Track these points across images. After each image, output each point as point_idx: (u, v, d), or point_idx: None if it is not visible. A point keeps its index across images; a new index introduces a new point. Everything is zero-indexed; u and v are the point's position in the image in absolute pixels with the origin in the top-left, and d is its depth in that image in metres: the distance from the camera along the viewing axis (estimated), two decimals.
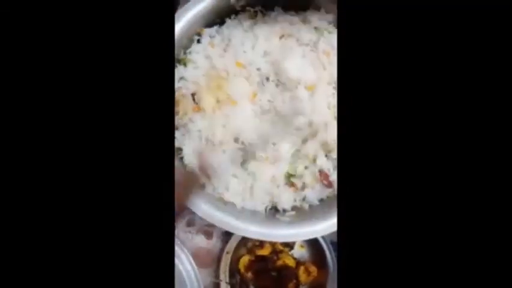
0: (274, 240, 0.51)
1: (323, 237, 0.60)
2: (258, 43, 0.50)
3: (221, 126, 0.49)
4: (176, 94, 0.50)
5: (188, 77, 0.50)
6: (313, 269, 0.60)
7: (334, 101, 0.49)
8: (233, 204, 0.51)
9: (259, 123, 0.49)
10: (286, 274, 0.60)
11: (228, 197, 0.50)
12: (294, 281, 0.60)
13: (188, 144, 0.50)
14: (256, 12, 0.52)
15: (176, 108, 0.50)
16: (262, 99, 0.49)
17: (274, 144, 0.49)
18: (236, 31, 0.51)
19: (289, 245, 0.62)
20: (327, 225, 0.47)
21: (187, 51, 0.51)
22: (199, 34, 0.52)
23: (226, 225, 0.47)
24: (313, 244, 0.61)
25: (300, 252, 0.62)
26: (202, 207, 0.47)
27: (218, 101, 0.49)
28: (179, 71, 0.51)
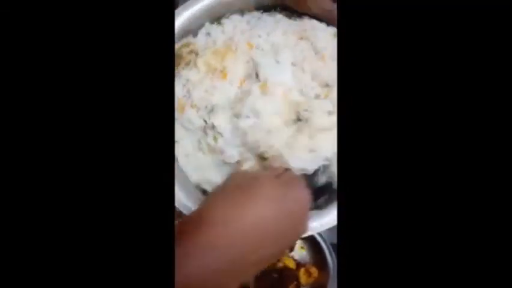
0: None
1: (323, 238, 0.60)
2: (274, 34, 0.50)
3: (203, 90, 0.48)
4: (186, 49, 0.50)
5: (212, 35, 0.51)
6: (314, 271, 0.60)
7: (292, 105, 0.47)
8: None
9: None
10: (287, 276, 0.60)
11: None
12: (295, 282, 0.60)
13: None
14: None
15: (177, 60, 0.50)
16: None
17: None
18: (268, 19, 0.52)
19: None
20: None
21: (227, 15, 0.52)
22: (243, 10, 0.53)
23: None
24: (313, 246, 0.61)
25: (300, 254, 0.62)
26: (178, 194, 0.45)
27: (215, 68, 0.48)
28: (211, 27, 0.52)
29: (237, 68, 0.49)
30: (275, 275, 0.60)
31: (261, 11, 0.53)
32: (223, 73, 0.48)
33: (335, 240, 0.61)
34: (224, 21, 0.52)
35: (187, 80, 0.49)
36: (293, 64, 0.48)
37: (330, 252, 0.60)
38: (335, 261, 0.59)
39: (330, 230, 0.59)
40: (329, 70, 0.48)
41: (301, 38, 0.50)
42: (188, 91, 0.49)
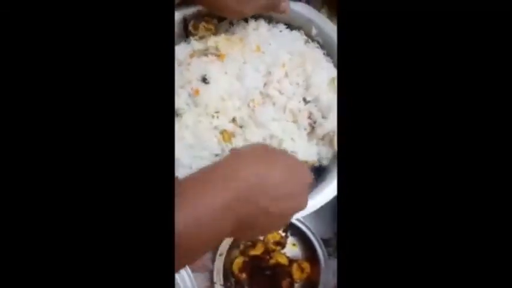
0: None
1: (313, 233, 0.61)
2: (283, 49, 0.53)
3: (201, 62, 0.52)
4: (205, 26, 0.54)
5: (234, 26, 0.56)
6: (306, 266, 0.61)
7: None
8: None
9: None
10: (280, 272, 0.61)
11: None
12: (288, 278, 0.61)
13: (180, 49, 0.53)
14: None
15: (194, 31, 0.54)
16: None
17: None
18: (288, 35, 0.56)
19: (281, 244, 0.63)
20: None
21: (256, 17, 0.56)
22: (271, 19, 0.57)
23: None
24: (304, 242, 0.63)
25: (292, 250, 0.64)
26: None
27: (219, 50, 0.52)
28: (237, 21, 0.56)
29: (233, 60, 0.52)
30: (268, 272, 0.61)
31: (286, 25, 0.56)
32: (222, 56, 0.52)
33: (325, 236, 0.63)
34: (250, 20, 0.55)
35: (193, 50, 0.54)
36: (277, 81, 0.52)
37: (320, 247, 0.61)
38: (326, 255, 0.61)
39: (320, 224, 0.62)
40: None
41: (302, 68, 0.52)
42: (189, 54, 0.53)
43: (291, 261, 0.62)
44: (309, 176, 0.38)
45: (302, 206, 0.36)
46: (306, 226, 0.61)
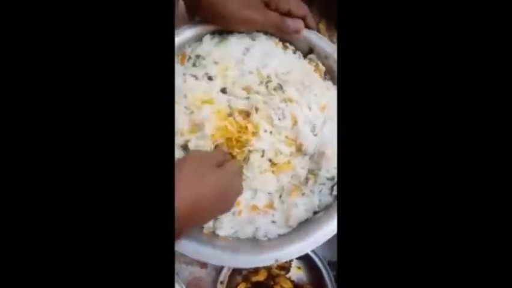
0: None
1: (319, 257, 0.58)
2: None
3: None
4: None
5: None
6: None
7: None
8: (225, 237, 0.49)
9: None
10: None
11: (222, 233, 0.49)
12: None
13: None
14: None
15: None
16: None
17: None
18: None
19: (286, 268, 0.60)
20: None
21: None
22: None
23: (218, 260, 0.46)
24: (310, 265, 0.60)
25: (297, 274, 0.61)
26: (187, 246, 0.45)
27: None
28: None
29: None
30: None
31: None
32: None
33: (332, 259, 0.60)
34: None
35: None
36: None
37: (327, 270, 0.58)
38: (333, 280, 0.58)
39: (325, 248, 0.59)
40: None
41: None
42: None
43: (296, 286, 0.59)
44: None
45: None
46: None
